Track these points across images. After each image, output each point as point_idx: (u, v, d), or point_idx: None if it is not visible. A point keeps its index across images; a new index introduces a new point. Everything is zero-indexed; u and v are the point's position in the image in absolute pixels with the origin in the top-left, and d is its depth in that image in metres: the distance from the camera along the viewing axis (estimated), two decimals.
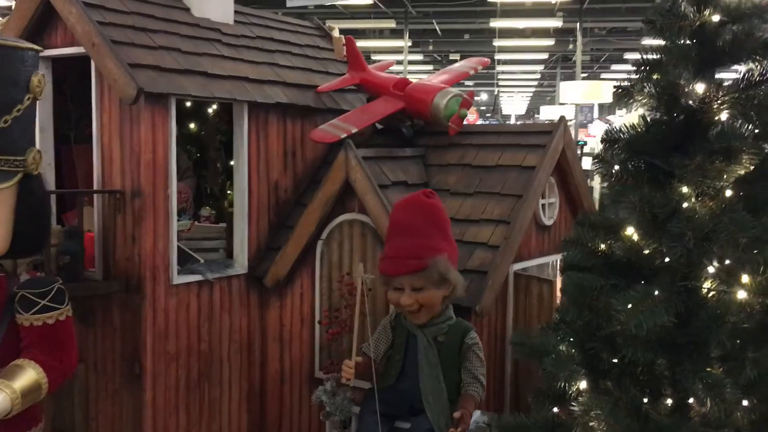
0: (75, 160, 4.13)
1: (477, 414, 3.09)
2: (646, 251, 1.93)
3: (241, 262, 3.94)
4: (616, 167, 2.02)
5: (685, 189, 1.92)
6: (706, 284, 1.88)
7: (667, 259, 1.92)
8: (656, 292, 1.87)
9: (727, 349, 1.87)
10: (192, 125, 4.40)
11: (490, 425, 3.20)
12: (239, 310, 3.92)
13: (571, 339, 2.04)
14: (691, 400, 1.98)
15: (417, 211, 3.14)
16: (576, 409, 1.93)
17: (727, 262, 1.87)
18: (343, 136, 3.89)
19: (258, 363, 4.03)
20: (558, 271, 4.10)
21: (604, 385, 1.98)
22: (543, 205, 3.83)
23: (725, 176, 1.85)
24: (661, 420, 1.94)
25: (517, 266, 3.68)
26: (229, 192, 4.61)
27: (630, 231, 1.93)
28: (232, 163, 4.56)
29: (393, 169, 3.83)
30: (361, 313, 3.07)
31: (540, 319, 3.56)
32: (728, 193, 1.89)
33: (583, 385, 1.99)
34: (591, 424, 1.86)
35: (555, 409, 2.27)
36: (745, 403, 1.85)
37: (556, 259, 4.06)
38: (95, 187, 3.63)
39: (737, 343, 1.87)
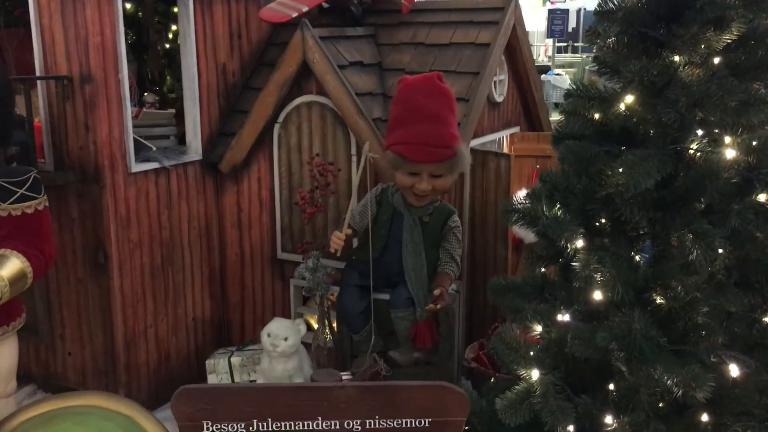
0: (3, 45, 3.86)
1: None
2: (642, 118, 2.08)
3: (195, 149, 3.87)
4: (611, 39, 2.12)
5: (677, 58, 2.06)
6: (694, 146, 2.06)
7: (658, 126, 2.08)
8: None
9: (714, 203, 2.08)
10: (128, 6, 4.16)
11: (459, 291, 3.42)
12: (196, 197, 3.90)
13: (570, 203, 2.20)
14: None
15: (436, 96, 3.10)
16: (577, 264, 2.12)
17: (715, 125, 2.05)
18: (294, 15, 3.80)
19: (217, 248, 4.06)
20: (506, 147, 4.28)
21: (599, 242, 2.17)
22: (494, 82, 3.93)
23: (716, 45, 2.00)
24: (647, 269, 2.16)
25: (472, 143, 3.80)
26: (168, 77, 4.46)
27: (630, 99, 2.07)
28: (168, 46, 4.41)
29: (348, 49, 3.80)
30: (361, 188, 3.13)
31: (497, 193, 3.74)
32: (716, 60, 2.05)
33: (580, 243, 2.17)
34: (594, 275, 2.06)
35: (542, 269, 2.47)
36: (720, 251, 2.08)
37: (504, 135, 4.22)
38: (37, 74, 3.43)
39: (722, 197, 2.08)
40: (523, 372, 2.31)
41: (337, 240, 3.06)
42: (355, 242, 3.42)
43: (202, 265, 3.98)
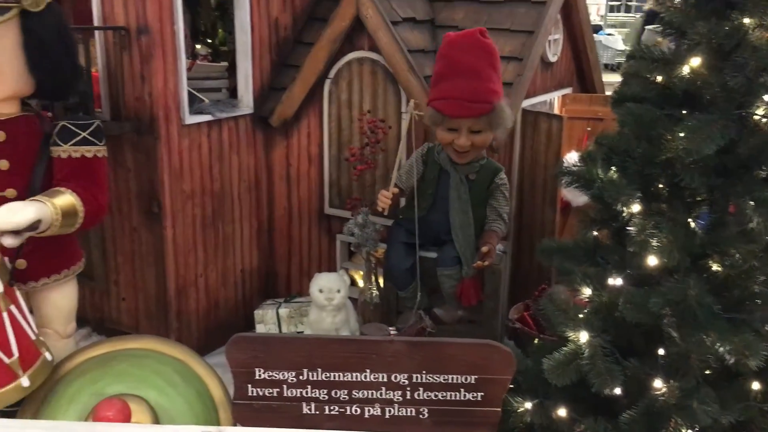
0: None
1: None
2: (706, 82, 2.03)
3: (246, 102, 3.91)
4: None
5: (747, 20, 2.00)
6: (760, 111, 2.02)
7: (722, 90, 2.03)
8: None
9: None
10: None
11: (506, 252, 3.43)
12: (246, 150, 3.94)
13: (627, 167, 2.18)
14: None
15: (477, 51, 3.08)
16: (632, 229, 2.11)
17: None
18: None
19: (266, 202, 4.12)
20: (558, 108, 4.22)
21: (656, 207, 2.15)
22: (548, 42, 3.87)
23: None
24: (703, 235, 2.14)
25: (524, 103, 3.76)
26: (220, 30, 4.48)
27: (696, 62, 2.02)
28: None
29: (401, 5, 3.76)
30: (408, 147, 3.14)
31: (547, 155, 3.71)
32: None
33: (636, 208, 2.16)
34: (650, 240, 2.05)
35: (595, 233, 2.46)
36: None
37: (555, 96, 4.16)
38: (95, 24, 3.47)
39: None
40: (571, 334, 2.32)
41: (384, 198, 3.09)
42: (403, 201, 3.44)
43: (251, 217, 4.05)
